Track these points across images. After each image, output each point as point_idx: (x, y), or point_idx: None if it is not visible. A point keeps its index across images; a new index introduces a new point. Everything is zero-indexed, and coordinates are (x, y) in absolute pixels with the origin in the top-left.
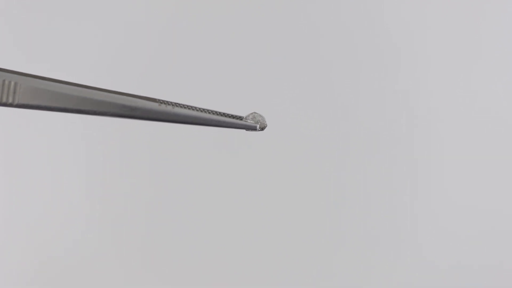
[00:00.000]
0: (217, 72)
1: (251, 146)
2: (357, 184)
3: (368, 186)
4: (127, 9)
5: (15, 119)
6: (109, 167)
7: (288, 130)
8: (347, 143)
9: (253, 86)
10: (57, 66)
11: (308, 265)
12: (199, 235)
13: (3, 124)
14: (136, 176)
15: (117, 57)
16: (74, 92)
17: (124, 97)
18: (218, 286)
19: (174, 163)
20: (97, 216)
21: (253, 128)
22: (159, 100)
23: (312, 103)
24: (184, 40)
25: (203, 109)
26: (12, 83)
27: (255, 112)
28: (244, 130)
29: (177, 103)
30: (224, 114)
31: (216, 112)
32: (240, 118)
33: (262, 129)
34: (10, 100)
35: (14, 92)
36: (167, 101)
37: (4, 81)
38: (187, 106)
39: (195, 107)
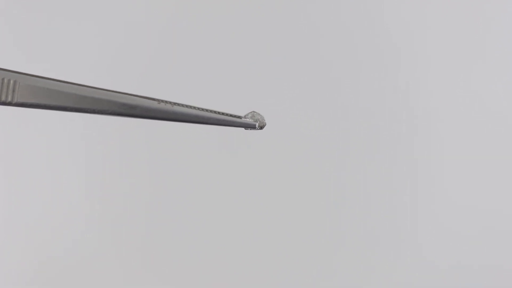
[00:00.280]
0: (216, 72)
1: (250, 145)
2: (357, 184)
3: (368, 185)
4: (126, 11)
5: (14, 118)
6: (109, 166)
7: (288, 129)
8: (347, 142)
9: (252, 86)
10: (56, 67)
11: (308, 265)
12: (199, 235)
13: (2, 123)
14: (136, 175)
15: (116, 58)
16: (73, 90)
17: (123, 95)
18: (218, 286)
19: (173, 162)
20: (97, 215)
21: (252, 126)
22: (158, 99)
23: (311, 102)
24: (182, 41)
25: (203, 108)
26: (12, 81)
27: (254, 111)
28: (243, 129)
29: (176, 103)
30: (223, 113)
31: (215, 111)
32: (239, 117)
33: (261, 127)
34: (9, 99)
35: (13, 91)
36: (166, 101)
37: (3, 79)
38: (187, 105)
39: (195, 106)
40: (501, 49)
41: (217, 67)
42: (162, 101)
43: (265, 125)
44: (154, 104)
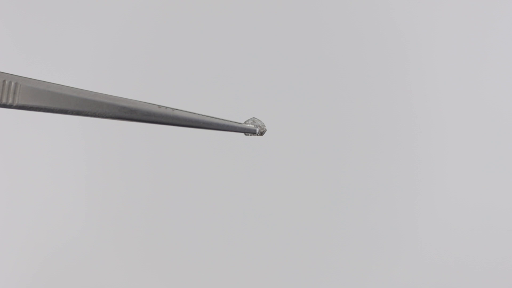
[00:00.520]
0: (216, 79)
1: (251, 148)
2: (358, 183)
3: (369, 184)
4: (125, 17)
5: (15, 120)
6: (109, 169)
7: (287, 131)
8: (347, 142)
9: (252, 90)
10: (55, 71)
11: (308, 265)
12: (199, 237)
13: (3, 125)
14: (135, 179)
15: (116, 66)
16: (74, 93)
17: (124, 98)
18: (218, 286)
19: (173, 166)
20: (96, 217)
21: (252, 132)
22: (158, 105)
23: (312, 105)
24: (182, 46)
25: (203, 115)
26: (13, 83)
27: (254, 117)
28: (243, 135)
29: (176, 108)
30: (224, 119)
31: (216, 117)
32: (239, 123)
33: (261, 133)
34: (10, 101)
35: (14, 93)
36: (166, 106)
37: (4, 81)
38: (187, 111)
39: (195, 113)
40: (503, 49)
41: (216, 75)
42: (163, 106)
43: (266, 131)
44: (154, 108)
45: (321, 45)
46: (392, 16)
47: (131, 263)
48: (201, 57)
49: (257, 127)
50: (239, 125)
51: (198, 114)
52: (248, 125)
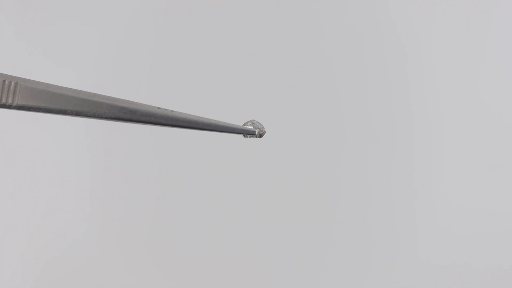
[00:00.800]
0: (215, 81)
1: (250, 150)
2: (356, 185)
3: (366, 186)
4: (125, 18)
5: (17, 120)
6: (112, 171)
7: (286, 133)
8: (345, 143)
9: (252, 92)
10: (56, 71)
11: (307, 265)
12: (200, 237)
13: (4, 125)
14: (137, 180)
15: (115, 68)
16: (73, 93)
17: (123, 99)
18: (218, 286)
19: (174, 167)
20: (99, 218)
21: (252, 133)
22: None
23: (310, 106)
24: (182, 48)
25: (202, 116)
26: (12, 84)
27: (254, 120)
28: (242, 137)
29: (175, 111)
30: (223, 121)
31: (215, 119)
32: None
33: (260, 135)
34: (9, 101)
35: (14, 93)
36: (166, 109)
37: (4, 81)
38: (186, 114)
39: (194, 115)
40: (503, 49)
41: (215, 77)
42: (162, 108)
43: (265, 133)
44: (154, 109)
45: (319, 47)
46: (391, 16)
47: (134, 264)
48: (201, 59)
49: (256, 129)
50: (239, 127)
51: (198, 116)
52: (248, 127)
